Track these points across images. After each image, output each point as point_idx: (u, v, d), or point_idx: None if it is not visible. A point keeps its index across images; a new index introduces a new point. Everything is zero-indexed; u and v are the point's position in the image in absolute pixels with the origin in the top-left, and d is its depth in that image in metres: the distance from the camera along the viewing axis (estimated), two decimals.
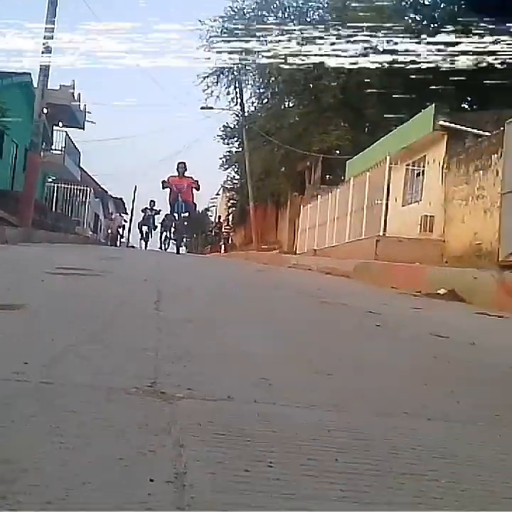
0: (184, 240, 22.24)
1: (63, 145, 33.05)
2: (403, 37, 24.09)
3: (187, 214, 17.60)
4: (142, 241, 29.65)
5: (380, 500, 1.27)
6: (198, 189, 17.69)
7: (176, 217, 17.40)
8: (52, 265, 6.26)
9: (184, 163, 17.79)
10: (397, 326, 4.18)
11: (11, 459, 1.26)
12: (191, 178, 17.55)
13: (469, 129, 15.46)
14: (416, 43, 23.36)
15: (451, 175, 15.38)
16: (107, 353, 2.36)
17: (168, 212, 18.24)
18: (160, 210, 28.69)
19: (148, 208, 29.70)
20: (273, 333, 3.35)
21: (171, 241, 18.36)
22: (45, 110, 19.76)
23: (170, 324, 3.19)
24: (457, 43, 21.65)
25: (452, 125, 15.76)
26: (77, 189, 34.39)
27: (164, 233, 19.33)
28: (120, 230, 38.56)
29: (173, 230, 17.83)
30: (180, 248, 18.57)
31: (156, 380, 2.01)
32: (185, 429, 1.56)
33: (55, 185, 33.64)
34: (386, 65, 24.62)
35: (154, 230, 28.14)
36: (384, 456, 1.53)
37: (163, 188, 17.48)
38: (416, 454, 1.58)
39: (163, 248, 19.45)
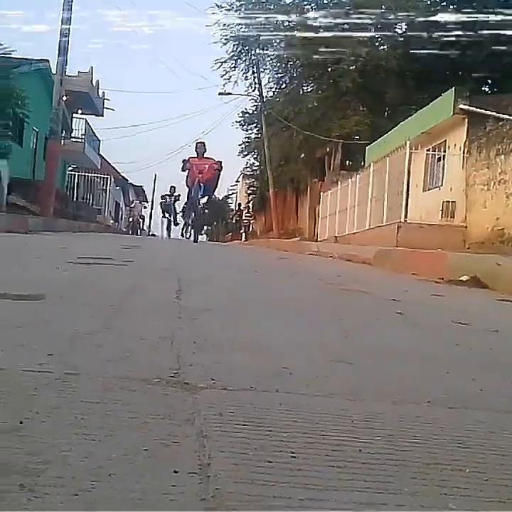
0: (204, 227, 20.40)
1: (83, 132, 33.16)
2: (422, 18, 23.83)
3: (206, 198, 16.24)
4: (165, 229, 28.72)
5: (403, 491, 1.27)
6: (220, 170, 16.06)
7: (195, 203, 15.97)
8: (73, 255, 6.31)
9: (203, 143, 16.37)
10: (418, 314, 4.16)
11: (36, 451, 1.28)
12: (212, 159, 16.09)
13: (490, 112, 15.28)
14: (435, 24, 23.09)
15: (472, 159, 15.24)
16: (128, 343, 2.37)
17: (187, 199, 16.91)
18: (180, 196, 27.63)
19: (168, 194, 28.74)
20: (294, 321, 3.35)
21: (190, 229, 16.97)
22: (64, 97, 19.85)
23: (191, 313, 3.20)
24: (476, 23, 21.38)
25: (473, 108, 15.60)
26: (97, 177, 34.53)
27: (185, 221, 18.18)
28: (140, 219, 38.31)
29: (191, 216, 16.50)
30: (200, 236, 16.98)
31: (178, 370, 2.02)
32: (209, 420, 1.57)
33: (76, 173, 33.80)
34: (405, 48, 24.41)
35: (175, 217, 27.13)
36: (407, 445, 1.53)
37: (183, 169, 15.99)
38: (439, 444, 1.58)
39: (184, 236, 18.47)
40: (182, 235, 19.25)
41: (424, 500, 1.24)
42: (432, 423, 1.73)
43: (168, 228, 28.01)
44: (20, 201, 18.58)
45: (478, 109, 15.51)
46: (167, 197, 28.54)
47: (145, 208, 40.77)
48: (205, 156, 15.96)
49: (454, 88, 16.18)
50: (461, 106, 15.69)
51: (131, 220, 37.89)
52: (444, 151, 17.19)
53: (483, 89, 24.24)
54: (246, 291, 4.67)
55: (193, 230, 16.30)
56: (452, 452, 1.52)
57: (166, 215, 28.27)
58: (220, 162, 16.07)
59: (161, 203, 29.18)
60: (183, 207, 19.29)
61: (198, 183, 15.47)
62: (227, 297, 4.17)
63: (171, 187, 28.62)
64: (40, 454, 1.26)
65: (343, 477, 1.30)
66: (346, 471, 1.34)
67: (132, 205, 39.25)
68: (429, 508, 1.21)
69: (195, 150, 16.13)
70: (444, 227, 15.25)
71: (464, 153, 15.75)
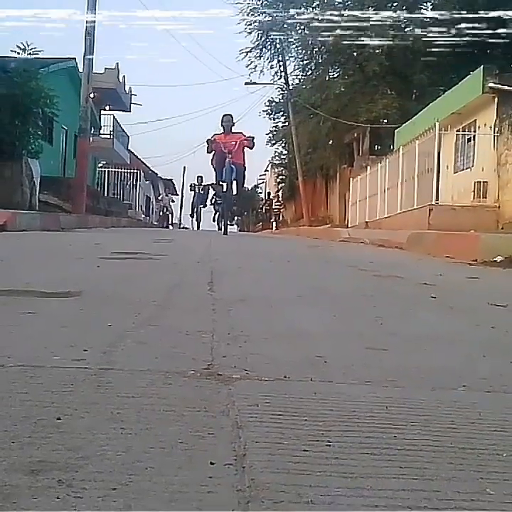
0: (235, 217, 17.82)
1: (111, 129, 33.40)
2: None
3: (236, 182, 13.84)
4: (194, 221, 27.97)
5: (440, 476, 1.27)
6: (251, 147, 13.77)
7: (224, 188, 13.82)
8: (107, 250, 6.37)
9: (230, 115, 13.89)
10: (453, 297, 4.13)
11: (74, 446, 1.30)
12: (241, 133, 13.74)
13: None
14: (461, 3, 22.74)
15: (503, 138, 15.02)
16: (163, 337, 2.39)
17: (214, 183, 14.69)
18: (209, 185, 27.63)
19: (196, 184, 27.86)
20: (327, 309, 3.35)
21: (220, 218, 15.12)
22: (91, 95, 20.00)
23: (224, 305, 3.21)
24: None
25: (502, 87, 15.34)
26: (127, 172, 34.76)
27: (216, 210, 16.81)
28: (167, 212, 38.07)
29: (220, 203, 14.72)
30: (230, 226, 15.02)
31: (212, 362, 2.04)
32: (243, 411, 1.57)
33: (106, 169, 34.08)
34: (432, 29, 24.09)
35: (205, 207, 26.42)
36: (443, 431, 1.53)
37: (208, 151, 13.77)
38: (476, 428, 1.57)
39: (217, 227, 16.79)
40: (215, 221, 17.67)
41: (461, 486, 1.23)
42: (468, 408, 1.72)
43: (198, 219, 27.34)
44: (52, 199, 18.79)
45: (507, 87, 15.25)
46: (196, 187, 27.75)
47: (173, 201, 40.57)
48: (232, 131, 13.65)
49: (482, 67, 15.94)
50: (491, 84, 15.45)
51: (161, 213, 37.95)
52: (474, 131, 16.96)
53: None
54: (278, 281, 4.68)
55: (223, 220, 14.43)
56: (489, 437, 1.51)
57: (195, 206, 27.60)
58: (252, 137, 13.75)
59: (194, 194, 28.37)
60: (213, 195, 17.74)
61: (229, 165, 13.28)
62: (259, 288, 4.18)
63: (198, 177, 27.89)
64: (79, 450, 1.28)
65: (378, 464, 1.30)
66: (382, 458, 1.34)
67: (160, 198, 39.19)
68: (466, 493, 1.20)
69: (221, 124, 13.72)
70: (476, 208, 15.07)
71: (494, 132, 15.52)
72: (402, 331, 2.82)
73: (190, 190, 29.21)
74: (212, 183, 15.64)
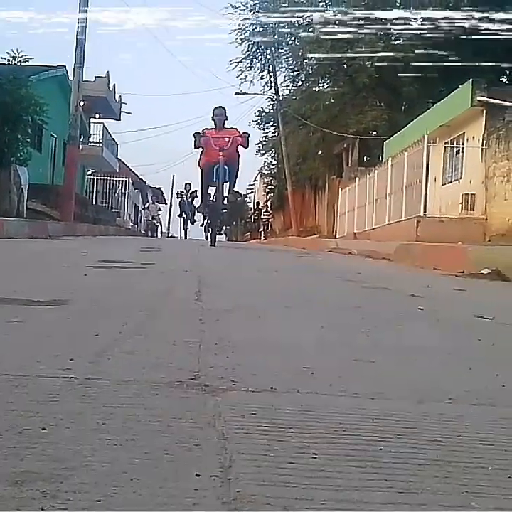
0: (223, 226, 14.88)
1: (101, 137, 33.38)
2: (437, 10, 23.69)
3: (228, 184, 11.92)
4: (181, 229, 27.40)
5: (426, 490, 1.27)
6: (246, 146, 11.99)
7: (215, 191, 11.86)
8: (94, 259, 6.35)
9: (223, 108, 12.09)
10: (440, 309, 4.14)
11: (60, 457, 1.29)
12: (235, 129, 12.06)
13: (508, 104, 15.14)
14: (450, 16, 22.94)
15: (491, 151, 15.11)
16: (150, 347, 2.39)
17: (201, 185, 12.40)
18: (196, 192, 25.01)
19: (184, 191, 27.01)
20: (314, 320, 3.35)
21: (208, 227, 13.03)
22: (81, 103, 19.99)
23: (211, 315, 3.21)
24: (491, 14, 21.21)
25: (491, 100, 15.46)
26: (116, 181, 34.71)
27: (204, 217, 14.29)
28: (155, 220, 37.72)
29: (207, 210, 12.64)
30: (218, 236, 13.09)
31: (199, 372, 2.03)
32: (230, 422, 1.57)
33: (95, 177, 34.02)
34: (421, 42, 24.26)
35: (193, 215, 24.86)
36: (429, 444, 1.53)
37: (195, 146, 11.79)
38: (461, 441, 1.57)
39: (205, 236, 14.98)
40: (205, 233, 15.26)
41: (447, 499, 1.23)
42: (454, 420, 1.73)
43: (185, 228, 26.75)
44: (40, 207, 18.72)
45: (496, 101, 15.37)
46: (183, 194, 27.01)
47: (160, 210, 40.18)
48: (225, 126, 11.92)
49: (471, 80, 16.06)
50: (479, 98, 15.56)
51: (149, 220, 37.72)
52: (463, 144, 17.06)
53: (501, 80, 24.04)
54: (266, 292, 4.67)
55: (210, 230, 12.64)
56: (475, 450, 1.51)
57: (183, 214, 26.94)
58: (248, 135, 11.90)
59: (179, 202, 27.88)
60: (200, 204, 14.03)
61: (223, 164, 11.48)
62: (247, 298, 4.17)
63: (186, 184, 27.22)
64: (64, 461, 1.27)
65: (364, 477, 1.30)
66: (368, 471, 1.34)
67: (146, 206, 38.90)
68: (451, 507, 1.20)
69: (212, 118, 11.95)
70: (464, 220, 15.14)
71: (482, 145, 15.62)
72: (390, 342, 2.83)
73: (177, 198, 28.38)
74: (195, 192, 15.01)
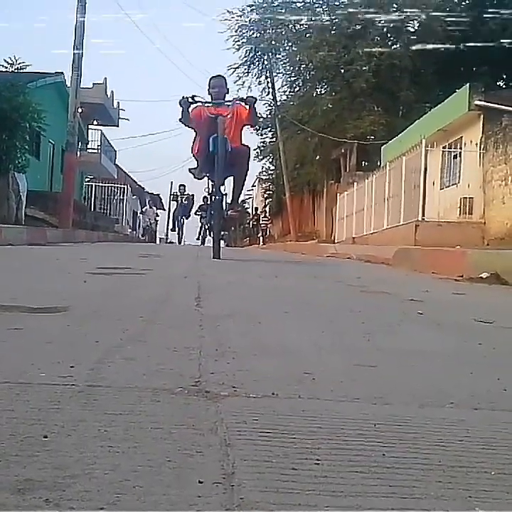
0: (227, 230, 11.69)
1: (98, 143, 33.42)
2: (433, 16, 23.75)
3: (233, 178, 8.65)
4: (176, 234, 26.09)
5: (429, 495, 1.26)
6: (254, 124, 9.33)
7: (214, 186, 8.57)
8: (93, 265, 6.35)
9: (223, 78, 8.88)
10: (439, 313, 4.14)
11: (62, 465, 1.29)
12: (239, 102, 8.61)
13: (506, 107, 15.19)
14: (446, 20, 23.01)
15: (489, 155, 15.15)
16: (150, 353, 2.38)
17: (199, 169, 8.78)
18: (193, 196, 25.19)
19: (179, 193, 25.68)
20: (314, 325, 3.34)
21: (207, 233, 10.35)
22: (79, 109, 20.03)
23: (211, 320, 3.20)
24: (489, 18, 21.28)
25: (488, 104, 15.51)
26: (114, 187, 34.75)
27: (202, 223, 12.68)
28: (153, 225, 37.64)
29: (205, 215, 9.44)
30: (221, 242, 10.32)
31: (200, 378, 2.03)
32: (232, 428, 1.57)
33: (93, 184, 34.08)
34: (418, 46, 24.34)
35: (187, 218, 24.74)
36: (431, 449, 1.52)
37: (182, 119, 8.30)
38: (464, 446, 1.57)
39: (201, 242, 15.10)
40: (200, 239, 15.66)
41: (450, 504, 1.23)
42: (456, 425, 1.72)
43: (180, 233, 25.70)
44: (39, 214, 18.74)
45: (493, 105, 15.42)
46: (178, 197, 25.75)
47: (157, 215, 40.03)
48: (226, 101, 8.62)
49: (468, 84, 16.12)
50: (476, 102, 15.62)
51: (147, 226, 37.70)
52: (460, 148, 17.11)
53: (498, 84, 24.13)
54: (266, 297, 4.67)
55: (212, 238, 9.59)
56: (478, 454, 1.51)
57: (175, 219, 25.92)
58: (253, 100, 8.48)
59: (173, 212, 26.98)
60: (199, 206, 11.36)
61: (222, 133, 8.14)
62: (247, 303, 4.17)
63: (181, 185, 26.10)
64: (67, 468, 1.27)
65: (368, 482, 1.30)
66: (371, 476, 1.33)
67: (144, 211, 38.83)
68: None
69: (209, 91, 8.59)
70: (462, 224, 15.18)
71: (480, 149, 15.66)
72: (390, 347, 2.83)
73: (172, 200, 27.94)
74: (192, 196, 12.13)
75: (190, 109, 8.30)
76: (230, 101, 8.67)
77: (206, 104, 8.48)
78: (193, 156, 8.73)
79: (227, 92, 8.74)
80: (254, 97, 8.60)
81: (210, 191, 8.81)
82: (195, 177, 8.72)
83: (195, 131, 8.61)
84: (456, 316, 4.06)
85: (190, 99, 8.24)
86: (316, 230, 32.88)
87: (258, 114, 9.45)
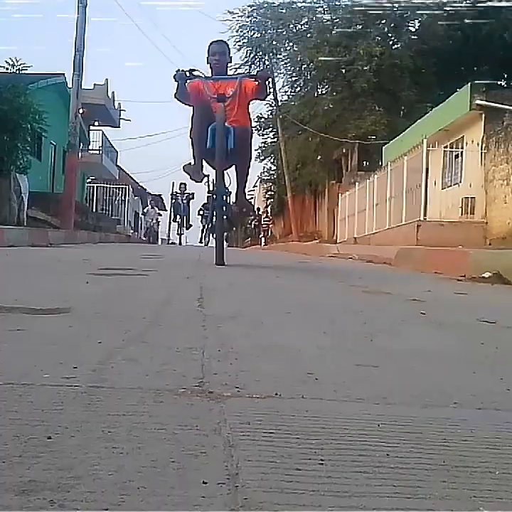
0: (231, 228, 10.10)
1: (100, 144, 33.46)
2: (434, 15, 23.74)
3: (236, 167, 7.41)
4: (176, 235, 25.59)
5: (433, 495, 1.26)
6: (263, 97, 7.76)
7: (215, 180, 7.39)
8: (95, 266, 6.35)
9: (224, 43, 7.56)
10: (442, 313, 4.14)
11: (66, 466, 1.29)
12: (245, 75, 7.66)
13: (507, 107, 15.18)
14: (448, 20, 23.00)
15: (491, 155, 15.15)
16: (153, 354, 2.38)
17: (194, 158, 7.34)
18: (193, 194, 24.60)
19: (178, 192, 24.89)
20: (317, 325, 3.34)
21: (208, 233, 9.44)
22: (80, 110, 20.04)
23: (214, 321, 3.20)
24: (490, 17, 21.27)
25: (489, 103, 15.51)
26: (116, 188, 34.78)
27: (203, 223, 12.08)
28: (155, 226, 37.45)
29: (207, 214, 8.71)
30: (225, 242, 8.53)
31: (203, 379, 2.03)
32: (235, 429, 1.57)
33: (95, 185, 34.11)
34: (419, 46, 24.33)
35: (188, 218, 24.10)
36: (435, 448, 1.52)
37: (178, 96, 7.10)
38: (468, 446, 1.57)
39: (204, 244, 13.88)
40: (203, 240, 14.06)
41: (454, 504, 1.23)
42: (460, 425, 1.72)
43: (180, 233, 25.13)
44: (41, 215, 18.75)
45: (495, 104, 15.41)
46: (178, 195, 24.95)
47: (160, 215, 39.87)
48: (228, 73, 7.49)
49: (469, 84, 16.11)
50: (478, 101, 15.62)
51: (148, 226, 37.55)
52: (462, 148, 17.10)
53: (499, 83, 24.11)
54: (268, 298, 4.67)
55: (215, 239, 8.39)
56: (481, 454, 1.51)
57: (177, 217, 25.11)
58: (267, 76, 7.56)
59: (173, 203, 25.97)
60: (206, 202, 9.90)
61: (222, 121, 6.85)
62: (249, 304, 4.17)
63: (181, 184, 25.20)
64: (71, 469, 1.27)
65: (372, 483, 1.30)
66: (375, 476, 1.33)
67: (145, 211, 38.66)
68: None
69: (208, 59, 7.27)
70: (464, 224, 15.17)
71: (481, 148, 15.65)
72: (393, 347, 2.82)
73: (172, 199, 26.93)
74: (192, 194, 11.66)
75: (185, 89, 7.04)
76: (234, 76, 7.52)
77: (207, 80, 7.11)
78: (191, 140, 7.31)
79: (230, 61, 7.49)
80: (270, 70, 7.17)
81: (211, 189, 7.71)
82: (191, 178, 7.44)
83: (193, 110, 7.22)
84: (458, 316, 4.06)
85: (187, 73, 6.98)
86: (318, 230, 32.88)
87: (270, 89, 7.51)
